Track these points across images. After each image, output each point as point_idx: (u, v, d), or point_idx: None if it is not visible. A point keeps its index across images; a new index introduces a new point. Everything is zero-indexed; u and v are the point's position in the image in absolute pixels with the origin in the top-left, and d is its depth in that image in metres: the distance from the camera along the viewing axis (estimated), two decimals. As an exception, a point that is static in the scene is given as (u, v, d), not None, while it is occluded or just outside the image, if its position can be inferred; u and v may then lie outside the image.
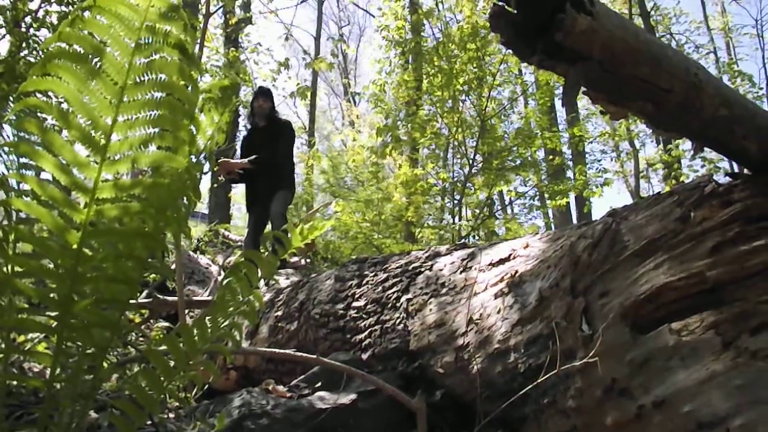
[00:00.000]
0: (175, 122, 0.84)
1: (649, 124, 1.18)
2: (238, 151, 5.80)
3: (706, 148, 1.28)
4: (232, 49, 11.51)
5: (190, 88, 0.86)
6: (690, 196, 1.22)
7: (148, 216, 0.86)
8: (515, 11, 0.95)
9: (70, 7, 4.24)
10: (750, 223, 1.12)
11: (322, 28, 23.09)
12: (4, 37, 4.31)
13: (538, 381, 1.36)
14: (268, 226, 5.39)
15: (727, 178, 1.21)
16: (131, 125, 0.84)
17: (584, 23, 0.91)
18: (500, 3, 0.96)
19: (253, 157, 5.20)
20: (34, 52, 4.12)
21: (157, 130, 0.85)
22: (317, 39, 22.26)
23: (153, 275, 3.49)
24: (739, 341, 1.05)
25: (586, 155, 12.36)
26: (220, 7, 9.96)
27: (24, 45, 4.20)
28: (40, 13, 4.39)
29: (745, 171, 1.25)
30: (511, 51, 1.07)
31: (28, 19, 4.34)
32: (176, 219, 0.87)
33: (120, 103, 0.83)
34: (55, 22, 4.30)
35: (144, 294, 3.19)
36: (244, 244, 5.56)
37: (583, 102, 13.61)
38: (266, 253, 1.05)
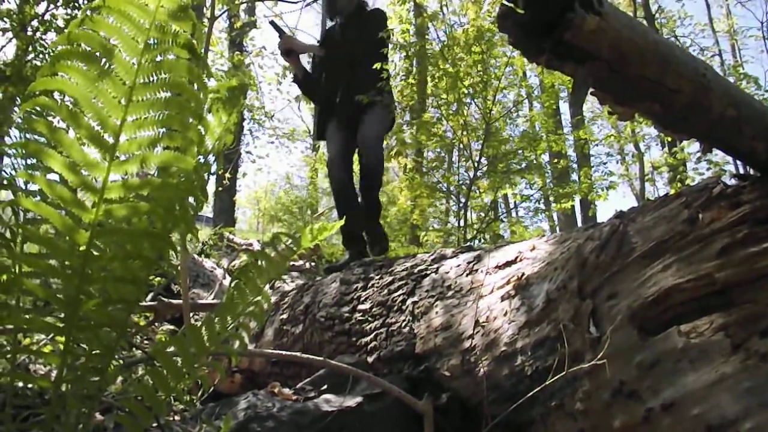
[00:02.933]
0: (183, 122, 0.85)
1: (656, 124, 1.18)
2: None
3: (713, 150, 1.27)
4: (237, 52, 11.58)
5: (198, 89, 0.86)
6: (698, 198, 1.21)
7: (157, 216, 0.87)
8: (523, 11, 0.95)
9: (77, 11, 4.27)
10: (759, 225, 1.11)
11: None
12: (11, 40, 4.35)
13: (546, 383, 1.35)
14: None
15: (735, 180, 1.20)
16: (140, 125, 0.84)
17: (593, 23, 0.91)
18: (508, 3, 0.96)
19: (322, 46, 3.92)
20: (41, 56, 4.15)
21: (165, 130, 0.85)
22: (322, 43, 22.24)
23: (158, 278, 3.51)
24: (748, 343, 1.04)
25: (591, 158, 12.30)
26: (224, 11, 10.00)
27: (31, 48, 4.23)
28: (47, 17, 4.42)
29: (753, 172, 1.24)
30: (519, 51, 1.07)
31: (34, 22, 4.38)
32: (184, 219, 0.88)
33: (129, 103, 0.83)
34: (62, 25, 4.33)
35: (149, 297, 3.20)
36: (333, 181, 3.83)
37: (588, 104, 13.59)
38: (273, 255, 1.04)
